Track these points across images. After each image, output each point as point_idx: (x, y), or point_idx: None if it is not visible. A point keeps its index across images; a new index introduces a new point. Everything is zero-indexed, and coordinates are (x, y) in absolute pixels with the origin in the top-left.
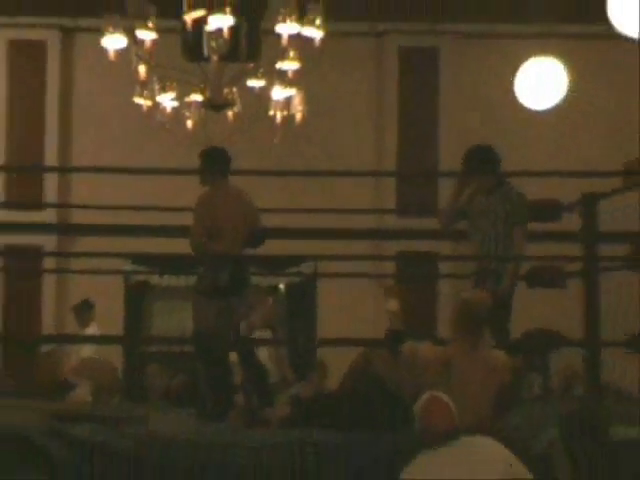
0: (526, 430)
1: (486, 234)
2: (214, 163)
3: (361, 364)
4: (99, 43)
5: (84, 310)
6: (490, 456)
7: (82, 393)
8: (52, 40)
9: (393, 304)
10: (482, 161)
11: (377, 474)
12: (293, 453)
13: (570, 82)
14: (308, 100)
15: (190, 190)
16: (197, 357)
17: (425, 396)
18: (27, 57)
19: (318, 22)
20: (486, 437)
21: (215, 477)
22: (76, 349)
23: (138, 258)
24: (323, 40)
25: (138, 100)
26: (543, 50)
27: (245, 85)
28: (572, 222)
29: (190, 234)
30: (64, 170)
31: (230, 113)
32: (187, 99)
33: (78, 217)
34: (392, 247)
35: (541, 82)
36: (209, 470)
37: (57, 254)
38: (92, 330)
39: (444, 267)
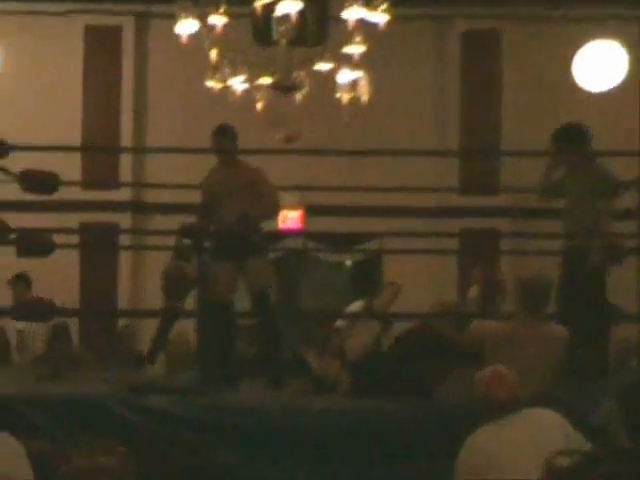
0: (585, 402)
1: (576, 210)
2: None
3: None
4: (172, 28)
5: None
6: (550, 427)
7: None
8: (127, 26)
9: (474, 291)
10: (572, 138)
11: (431, 443)
12: (353, 421)
13: (629, 64)
14: (373, 83)
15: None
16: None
17: (486, 369)
18: (102, 42)
19: (383, 7)
20: (546, 409)
21: (278, 444)
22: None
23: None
24: (388, 24)
25: (210, 83)
26: (603, 33)
27: (313, 68)
28: (630, 200)
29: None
30: (139, 150)
31: (298, 95)
32: (257, 82)
33: (152, 196)
34: (455, 225)
35: (600, 65)
36: (274, 437)
37: (133, 231)
38: None
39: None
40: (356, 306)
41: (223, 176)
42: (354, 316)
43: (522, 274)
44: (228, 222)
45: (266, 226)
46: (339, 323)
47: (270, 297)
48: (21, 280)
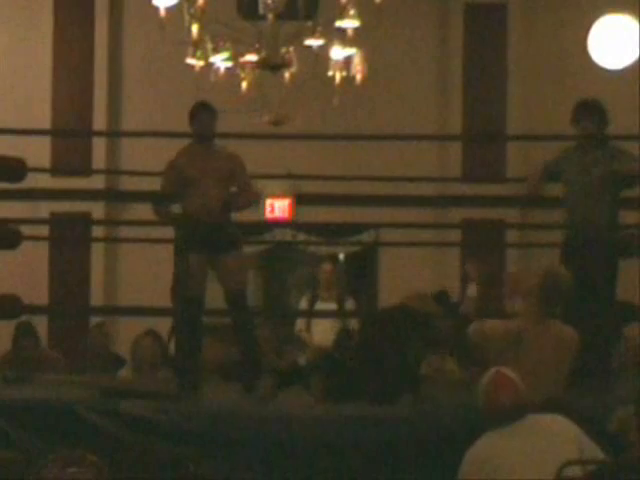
0: (602, 407)
1: (582, 195)
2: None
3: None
4: (149, 1)
5: None
6: (560, 435)
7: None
8: None
9: (472, 289)
10: (581, 113)
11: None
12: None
13: None
14: (368, 60)
15: (247, 154)
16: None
17: (490, 372)
18: (73, 16)
19: None
20: (556, 415)
21: (255, 450)
22: None
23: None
24: None
25: (190, 61)
26: (617, 6)
27: (302, 44)
28: None
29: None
30: (113, 134)
31: (287, 74)
32: (242, 59)
33: (127, 184)
34: (457, 214)
35: (615, 40)
36: (250, 443)
37: (106, 222)
38: None
39: (512, 236)
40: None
41: (199, 158)
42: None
43: (546, 267)
44: (204, 210)
45: (251, 215)
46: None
47: (246, 296)
48: None
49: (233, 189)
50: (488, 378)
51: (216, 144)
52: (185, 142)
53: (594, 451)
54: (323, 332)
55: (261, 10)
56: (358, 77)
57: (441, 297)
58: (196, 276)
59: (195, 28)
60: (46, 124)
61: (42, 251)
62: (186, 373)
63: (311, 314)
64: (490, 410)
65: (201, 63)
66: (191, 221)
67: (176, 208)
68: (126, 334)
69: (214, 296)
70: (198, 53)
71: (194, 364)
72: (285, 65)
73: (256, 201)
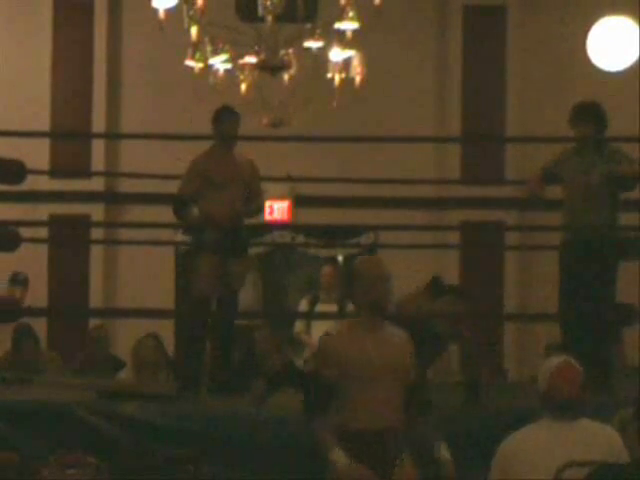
0: (601, 409)
1: (580, 198)
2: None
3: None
4: (149, 2)
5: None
6: (604, 445)
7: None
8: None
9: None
10: (579, 115)
11: None
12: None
13: None
14: (367, 62)
15: (247, 156)
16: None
17: (559, 358)
18: (73, 18)
19: None
20: (607, 425)
21: (254, 451)
22: None
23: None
24: None
25: (190, 63)
26: (617, 8)
27: (301, 46)
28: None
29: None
30: (112, 136)
31: (286, 76)
32: (241, 61)
33: (126, 186)
34: (456, 217)
35: (614, 42)
36: (249, 444)
37: (105, 224)
38: None
39: (511, 238)
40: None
41: (223, 162)
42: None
43: (358, 259)
44: (230, 214)
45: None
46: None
47: (237, 299)
48: None
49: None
50: (555, 365)
51: (235, 149)
52: (183, 145)
53: (624, 455)
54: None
55: (260, 12)
56: (357, 79)
57: (436, 284)
58: (209, 278)
59: (194, 30)
60: (45, 126)
61: (41, 253)
62: (189, 375)
63: (311, 316)
64: (551, 398)
65: (200, 65)
66: (212, 224)
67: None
68: (125, 336)
69: None
70: (197, 55)
71: (197, 366)
72: (284, 67)
73: (259, 211)
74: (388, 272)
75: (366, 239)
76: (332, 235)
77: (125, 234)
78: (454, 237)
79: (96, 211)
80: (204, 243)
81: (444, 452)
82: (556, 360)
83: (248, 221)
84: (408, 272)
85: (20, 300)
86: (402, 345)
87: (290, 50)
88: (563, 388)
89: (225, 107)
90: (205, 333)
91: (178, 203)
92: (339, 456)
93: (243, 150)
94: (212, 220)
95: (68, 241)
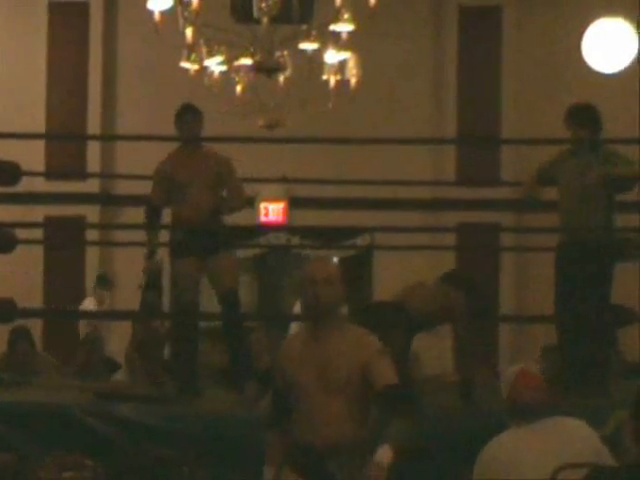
0: (598, 410)
1: (576, 199)
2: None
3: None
4: (144, 4)
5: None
6: (580, 440)
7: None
8: (94, 1)
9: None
10: (574, 117)
11: None
12: None
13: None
14: (363, 64)
15: (242, 158)
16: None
17: (516, 367)
18: (68, 20)
19: None
20: (581, 421)
21: (250, 452)
22: None
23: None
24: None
25: (185, 64)
26: (612, 10)
27: (297, 48)
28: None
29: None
30: (107, 138)
31: (281, 77)
32: (236, 63)
33: (122, 187)
34: (452, 218)
35: (610, 44)
36: (245, 445)
37: (100, 226)
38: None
39: (507, 239)
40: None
41: (187, 162)
42: None
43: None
44: (194, 215)
45: (245, 219)
46: None
47: (239, 296)
48: None
49: (224, 192)
50: (514, 373)
51: (204, 147)
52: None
53: (610, 460)
54: None
55: (256, 14)
56: (352, 81)
57: (454, 277)
58: (188, 281)
59: (189, 32)
60: (41, 128)
61: (37, 254)
62: (184, 377)
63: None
64: (513, 406)
65: (195, 67)
66: (180, 227)
67: (166, 214)
68: (120, 338)
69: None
70: (192, 57)
71: (192, 368)
72: (280, 69)
73: (247, 204)
74: (327, 275)
75: (362, 241)
76: (328, 237)
77: (120, 236)
78: (450, 238)
79: (91, 213)
80: (178, 247)
81: (380, 454)
82: (513, 369)
83: (242, 221)
84: (404, 273)
85: (104, 301)
86: (357, 352)
87: (285, 52)
88: (523, 394)
89: (184, 105)
90: (196, 334)
91: (149, 210)
92: (269, 474)
93: (238, 151)
94: (179, 222)
95: (63, 243)
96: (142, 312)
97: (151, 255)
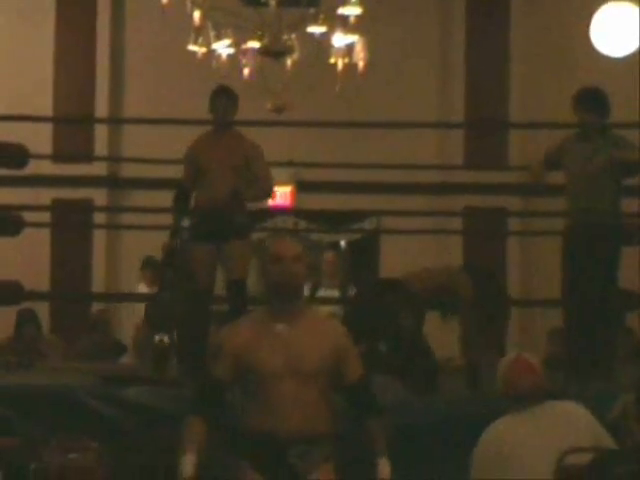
0: (604, 394)
1: (583, 183)
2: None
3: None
4: None
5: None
6: (575, 422)
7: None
8: None
9: None
10: (582, 101)
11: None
12: None
13: None
14: (370, 47)
15: None
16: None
17: (510, 355)
18: (76, 2)
19: None
20: (573, 402)
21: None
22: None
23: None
24: None
25: (192, 48)
26: None
27: (305, 31)
28: None
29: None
30: (115, 121)
31: (289, 61)
32: (244, 46)
33: (129, 170)
34: (459, 202)
35: (618, 28)
36: None
37: (108, 209)
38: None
39: (514, 224)
40: None
41: (215, 147)
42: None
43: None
44: (213, 200)
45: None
46: None
47: (246, 285)
48: None
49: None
50: (508, 361)
51: (236, 132)
52: (186, 129)
53: (607, 440)
54: None
55: None
56: (360, 64)
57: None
58: (203, 268)
59: (197, 15)
60: (48, 111)
61: (44, 238)
62: (190, 361)
63: (312, 301)
64: (509, 393)
65: (203, 50)
66: (199, 213)
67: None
68: (127, 321)
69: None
70: (200, 40)
71: (200, 352)
72: (287, 52)
73: (268, 195)
74: (295, 252)
75: (369, 224)
76: (334, 221)
77: (128, 219)
78: (457, 222)
79: (99, 196)
80: (193, 231)
81: (383, 472)
82: (510, 356)
83: (253, 205)
84: (410, 257)
85: (152, 283)
86: (328, 338)
87: (293, 35)
88: (519, 380)
89: (219, 88)
90: (208, 321)
91: (178, 192)
92: (186, 464)
93: (245, 134)
94: (199, 205)
95: (71, 226)
96: (160, 289)
97: (174, 235)
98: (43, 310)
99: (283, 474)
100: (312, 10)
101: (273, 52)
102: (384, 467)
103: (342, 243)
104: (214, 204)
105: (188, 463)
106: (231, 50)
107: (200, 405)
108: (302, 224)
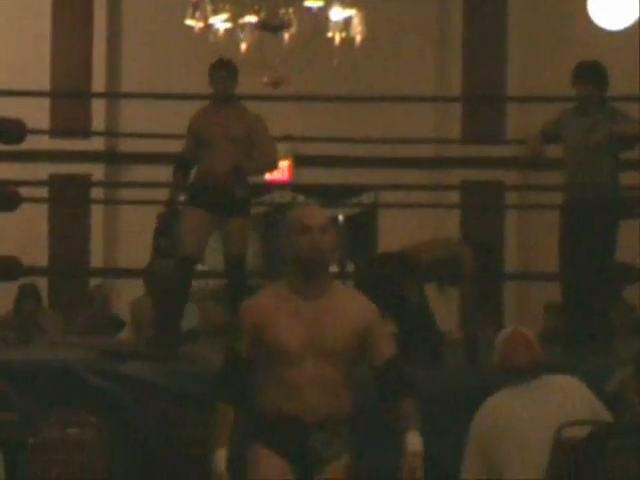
0: (602, 368)
1: (581, 157)
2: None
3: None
4: None
5: None
6: (572, 395)
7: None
8: None
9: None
10: (580, 75)
11: None
12: None
13: None
14: (368, 21)
15: None
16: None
17: (507, 329)
18: None
19: None
20: (568, 376)
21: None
22: None
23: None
24: None
25: (190, 22)
26: None
27: (302, 5)
28: None
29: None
30: (112, 96)
31: (286, 35)
32: (241, 20)
33: (127, 145)
34: (456, 176)
35: (615, 1)
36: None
37: (105, 184)
38: None
39: (511, 197)
40: None
41: (216, 119)
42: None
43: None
44: (213, 172)
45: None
46: None
47: (245, 261)
48: None
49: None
50: (505, 335)
51: (238, 104)
52: (184, 104)
53: (604, 413)
54: None
55: None
56: (357, 38)
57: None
58: (193, 234)
59: None
60: (45, 86)
61: (42, 213)
62: (167, 333)
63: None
64: (505, 367)
65: (200, 24)
66: (199, 186)
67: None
68: (126, 296)
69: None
70: (197, 14)
71: (175, 324)
72: (285, 26)
73: (272, 167)
74: (323, 222)
75: (367, 199)
76: (332, 195)
77: (125, 194)
78: (454, 197)
79: (96, 171)
80: (190, 198)
81: (412, 442)
82: (506, 330)
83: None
84: (409, 231)
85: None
86: (356, 316)
87: (290, 9)
88: (515, 354)
89: (218, 62)
90: (187, 293)
91: (178, 163)
92: (218, 462)
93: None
94: (199, 179)
95: (68, 201)
96: (153, 257)
97: (170, 203)
98: (41, 285)
99: (303, 457)
100: None
101: (270, 26)
102: (414, 439)
103: (340, 217)
104: (215, 177)
105: (221, 459)
106: (228, 24)
107: (225, 387)
108: (300, 198)
